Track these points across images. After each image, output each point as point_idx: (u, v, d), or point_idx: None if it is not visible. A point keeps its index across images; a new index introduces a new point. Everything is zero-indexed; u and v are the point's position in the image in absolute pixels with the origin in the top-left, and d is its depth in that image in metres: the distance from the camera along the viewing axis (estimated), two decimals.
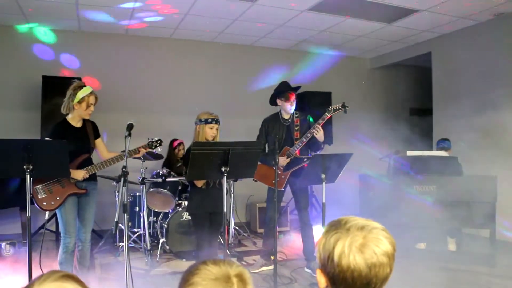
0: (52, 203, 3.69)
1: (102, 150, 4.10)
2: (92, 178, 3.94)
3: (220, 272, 1.20)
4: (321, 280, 1.28)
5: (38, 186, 3.66)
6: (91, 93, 3.85)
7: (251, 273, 4.78)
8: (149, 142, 4.11)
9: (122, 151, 3.86)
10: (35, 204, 3.65)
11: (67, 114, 3.90)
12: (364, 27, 6.85)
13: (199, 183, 3.96)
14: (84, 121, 3.99)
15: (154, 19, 6.49)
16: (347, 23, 6.66)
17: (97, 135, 4.09)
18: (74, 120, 3.91)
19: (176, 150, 6.71)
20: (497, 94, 6.23)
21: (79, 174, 3.77)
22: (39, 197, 3.66)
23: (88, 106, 3.84)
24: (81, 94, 3.79)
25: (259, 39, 7.61)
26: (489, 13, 6.14)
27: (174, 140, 6.74)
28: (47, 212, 4.15)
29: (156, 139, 4.14)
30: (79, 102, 3.80)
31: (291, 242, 6.24)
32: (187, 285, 1.19)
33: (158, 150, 4.22)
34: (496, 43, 6.36)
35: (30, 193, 3.52)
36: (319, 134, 4.61)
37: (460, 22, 6.59)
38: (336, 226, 1.29)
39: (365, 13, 6.18)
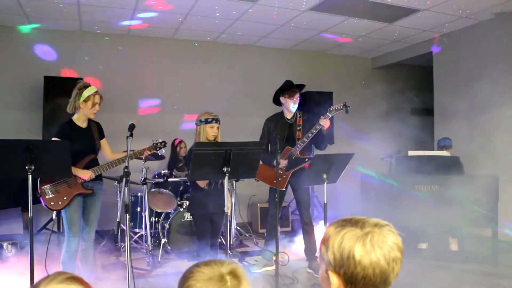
0: (60, 203, 3.73)
1: (107, 150, 4.14)
2: (98, 178, 3.98)
3: (213, 272, 1.23)
4: (334, 281, 1.26)
5: (45, 187, 3.71)
6: (96, 92, 3.90)
7: (253, 273, 4.80)
8: (153, 143, 4.13)
9: (124, 151, 3.88)
10: (43, 204, 3.71)
11: (73, 114, 3.95)
12: (365, 26, 6.84)
13: (202, 183, 3.96)
14: (89, 121, 4.02)
15: (155, 20, 6.49)
16: (348, 23, 6.65)
17: (102, 135, 4.13)
18: (80, 120, 3.95)
19: (178, 148, 6.71)
20: (498, 93, 6.21)
21: (85, 174, 3.80)
22: (47, 197, 3.71)
23: (93, 105, 3.91)
24: (87, 93, 3.85)
25: (260, 39, 7.60)
26: (490, 12, 6.13)
27: (175, 139, 6.75)
28: (54, 212, 4.18)
29: (160, 140, 4.16)
30: (85, 101, 3.86)
31: (293, 242, 6.23)
32: None
33: (163, 151, 4.24)
34: (497, 42, 6.35)
35: (37, 193, 3.58)
36: (326, 125, 4.58)
37: (461, 22, 6.58)
38: (347, 225, 1.28)
39: (366, 12, 6.18)
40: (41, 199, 3.70)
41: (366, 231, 1.24)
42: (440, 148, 6.10)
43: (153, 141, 4.16)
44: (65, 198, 3.74)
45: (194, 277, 1.23)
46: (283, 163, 4.77)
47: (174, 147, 6.72)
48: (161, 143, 4.16)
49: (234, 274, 1.24)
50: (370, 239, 1.22)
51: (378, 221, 1.29)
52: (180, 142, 6.74)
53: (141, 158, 4.83)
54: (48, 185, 3.70)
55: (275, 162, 4.11)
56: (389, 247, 1.23)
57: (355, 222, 1.28)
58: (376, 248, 1.21)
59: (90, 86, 3.92)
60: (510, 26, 6.14)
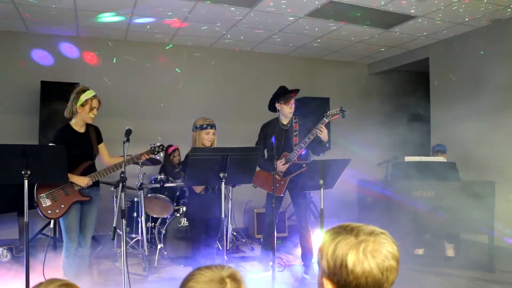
0: (57, 211, 3.69)
1: (104, 155, 4.11)
2: (95, 184, 3.94)
3: (213, 274, 1.26)
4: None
5: (42, 195, 3.65)
6: (94, 96, 3.87)
7: (249, 279, 4.79)
8: (151, 147, 4.10)
9: (121, 156, 3.87)
10: (40, 213, 3.66)
11: (70, 118, 3.92)
12: (362, 32, 6.87)
13: (198, 189, 3.96)
14: (87, 126, 3.99)
15: (152, 25, 6.50)
16: (344, 29, 6.68)
17: (100, 140, 4.10)
18: (78, 125, 3.92)
19: (171, 156, 6.68)
20: (494, 99, 6.24)
21: (83, 181, 3.77)
22: (44, 205, 3.65)
23: (91, 109, 3.86)
24: (84, 97, 3.81)
25: (257, 44, 7.63)
26: (486, 19, 6.17)
27: (169, 146, 6.72)
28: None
29: (158, 144, 4.13)
30: (82, 105, 3.82)
31: (289, 248, 6.23)
32: None
33: (161, 155, 4.22)
34: (493, 48, 6.38)
35: (34, 202, 3.53)
36: (323, 134, 4.59)
37: (457, 28, 6.62)
38: (342, 233, 1.28)
39: (363, 19, 6.20)
40: (37, 207, 3.65)
41: (360, 239, 1.24)
42: (435, 152, 6.11)
43: (151, 145, 4.14)
44: (62, 206, 3.70)
45: (195, 279, 1.26)
46: (284, 166, 4.76)
47: (167, 155, 6.69)
48: (159, 146, 4.13)
49: (233, 278, 1.27)
50: (364, 248, 1.22)
51: (374, 229, 1.28)
52: (174, 150, 6.70)
53: (139, 163, 4.83)
54: (45, 193, 3.66)
55: (275, 165, 4.13)
56: (384, 256, 1.22)
57: (350, 229, 1.28)
58: (370, 257, 1.20)
59: (88, 90, 3.89)
60: (505, 32, 6.19)
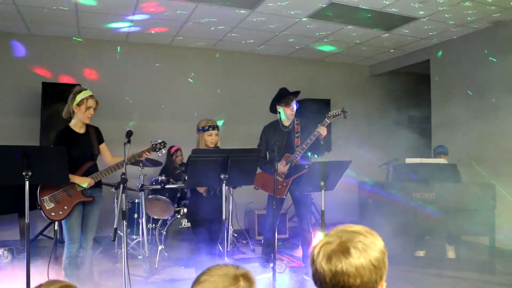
0: (60, 213, 3.69)
1: (106, 155, 4.11)
2: (97, 185, 3.94)
3: (229, 270, 1.31)
4: None
5: (45, 197, 3.65)
6: (90, 96, 3.86)
7: None
8: (152, 145, 4.07)
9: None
10: (44, 215, 3.66)
11: (68, 119, 3.92)
12: (363, 34, 6.87)
13: (202, 189, 3.97)
14: (87, 126, 3.99)
15: (153, 26, 6.50)
16: (345, 31, 6.68)
17: (100, 140, 4.10)
18: (77, 126, 3.92)
19: (174, 157, 6.70)
20: (495, 101, 6.24)
21: (84, 182, 3.77)
22: (47, 208, 3.65)
23: (87, 109, 3.85)
24: (80, 97, 3.82)
25: (258, 46, 7.63)
26: (487, 21, 6.17)
27: (172, 147, 6.73)
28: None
29: (159, 141, 4.09)
30: (78, 104, 3.82)
31: (290, 249, 6.22)
32: (197, 283, 1.29)
33: (163, 152, 4.20)
34: (494, 50, 6.38)
35: (37, 205, 3.53)
36: (324, 132, 4.59)
37: (459, 30, 6.61)
38: (325, 237, 1.33)
39: (364, 20, 6.20)
40: (41, 210, 3.66)
41: (326, 239, 1.29)
42: (437, 154, 6.10)
43: (151, 142, 4.10)
44: (65, 207, 3.70)
45: (209, 272, 1.31)
46: (285, 168, 4.76)
47: (170, 155, 6.71)
48: (160, 143, 4.08)
49: (246, 277, 1.32)
50: (321, 248, 1.27)
51: (349, 232, 1.30)
52: (177, 150, 6.72)
53: (141, 160, 4.82)
54: (47, 195, 3.66)
55: (276, 167, 4.14)
56: (338, 260, 1.24)
57: (334, 229, 1.33)
58: (322, 257, 1.26)
59: (85, 90, 3.90)
60: (506, 34, 6.18)
